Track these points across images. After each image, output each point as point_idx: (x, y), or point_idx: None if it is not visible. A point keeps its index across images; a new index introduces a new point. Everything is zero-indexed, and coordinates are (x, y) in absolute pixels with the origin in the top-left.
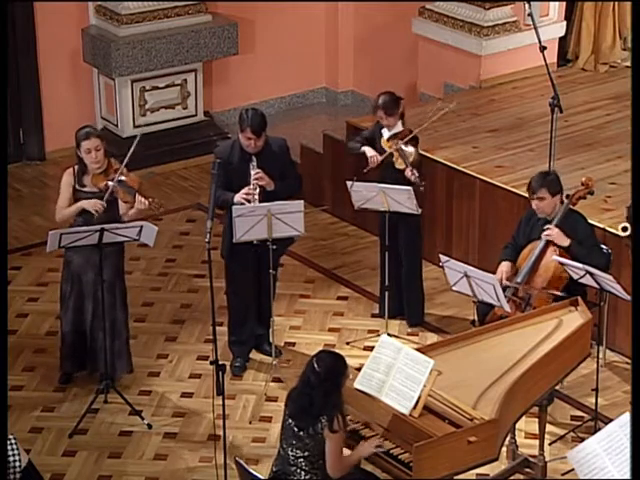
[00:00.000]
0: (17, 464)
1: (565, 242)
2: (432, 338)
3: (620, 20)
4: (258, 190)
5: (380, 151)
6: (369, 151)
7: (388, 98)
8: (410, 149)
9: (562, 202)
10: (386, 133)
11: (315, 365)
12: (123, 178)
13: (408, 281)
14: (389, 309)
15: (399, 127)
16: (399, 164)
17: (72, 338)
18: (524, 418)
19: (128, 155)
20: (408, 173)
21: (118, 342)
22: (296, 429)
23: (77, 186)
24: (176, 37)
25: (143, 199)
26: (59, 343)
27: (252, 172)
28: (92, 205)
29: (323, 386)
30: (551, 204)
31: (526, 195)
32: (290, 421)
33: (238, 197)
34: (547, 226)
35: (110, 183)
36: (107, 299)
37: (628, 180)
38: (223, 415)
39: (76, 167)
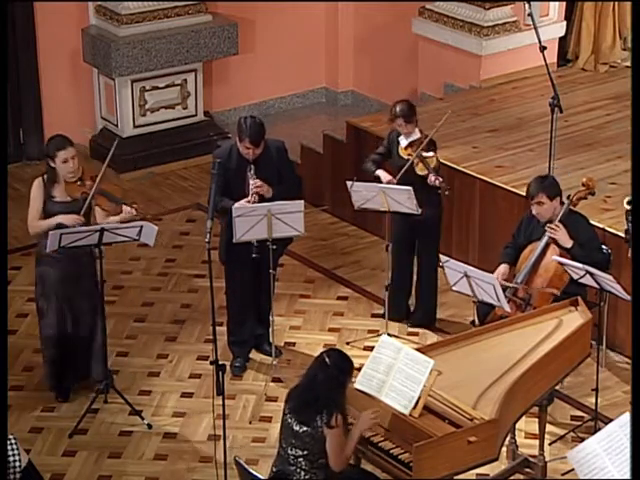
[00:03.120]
0: (17, 464)
1: (568, 243)
2: (432, 338)
3: (620, 20)
4: (257, 199)
5: (397, 161)
6: (384, 177)
7: (405, 106)
8: (430, 154)
9: (562, 203)
10: (403, 141)
11: (326, 360)
12: (103, 187)
13: (426, 286)
14: (396, 311)
15: (417, 134)
16: (420, 170)
17: (57, 353)
18: (524, 418)
19: (107, 161)
20: (432, 179)
21: (95, 345)
22: (296, 427)
23: (46, 197)
24: (176, 37)
25: (130, 208)
26: (42, 360)
27: (251, 181)
28: (71, 220)
29: (330, 382)
30: (550, 208)
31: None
32: (290, 420)
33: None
34: (554, 223)
35: (91, 191)
36: (85, 307)
37: (628, 180)
38: (223, 415)
39: (45, 177)
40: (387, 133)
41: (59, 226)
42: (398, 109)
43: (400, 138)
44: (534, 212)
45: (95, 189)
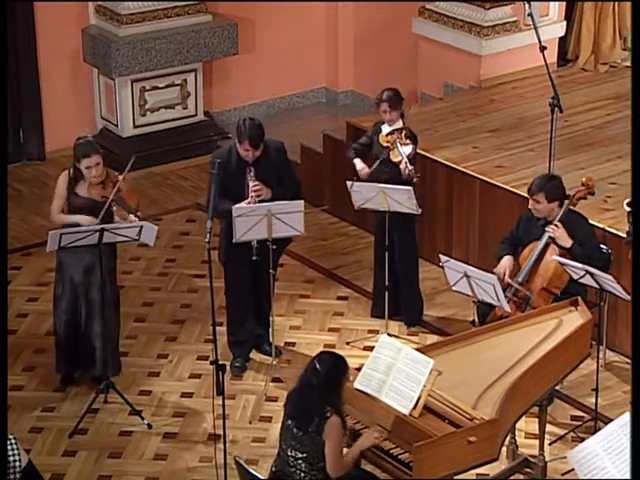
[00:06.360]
0: (17, 464)
1: (567, 243)
2: (432, 338)
3: (620, 20)
4: (257, 202)
5: (377, 149)
6: (358, 164)
7: (392, 93)
8: (408, 144)
9: (561, 205)
10: (386, 129)
11: (316, 365)
12: (121, 195)
13: (405, 282)
14: (382, 309)
15: (399, 124)
16: (394, 156)
17: (66, 340)
18: (524, 418)
19: (127, 170)
20: (402, 166)
21: (109, 343)
22: (295, 430)
23: (70, 191)
24: (176, 37)
25: (135, 218)
26: (54, 345)
27: (250, 184)
28: (87, 222)
29: (324, 386)
30: (547, 209)
31: (526, 195)
32: (290, 422)
33: None
34: (554, 223)
35: (109, 198)
36: (98, 299)
37: (628, 180)
38: (223, 415)
39: (71, 171)
40: (371, 127)
41: (76, 225)
42: (385, 94)
43: (383, 126)
44: (530, 206)
45: (112, 197)
